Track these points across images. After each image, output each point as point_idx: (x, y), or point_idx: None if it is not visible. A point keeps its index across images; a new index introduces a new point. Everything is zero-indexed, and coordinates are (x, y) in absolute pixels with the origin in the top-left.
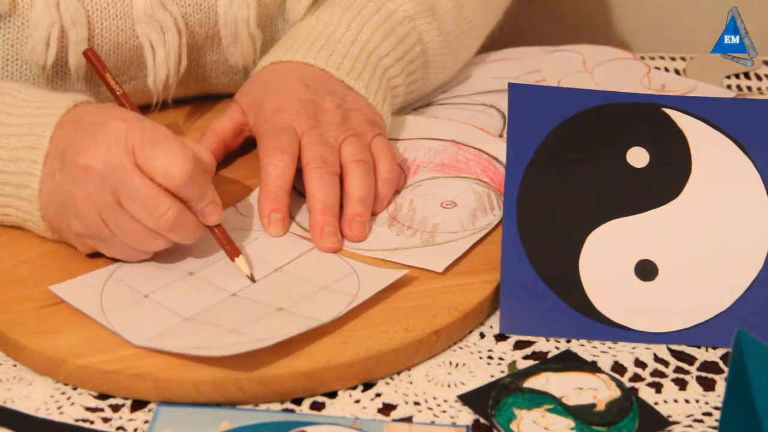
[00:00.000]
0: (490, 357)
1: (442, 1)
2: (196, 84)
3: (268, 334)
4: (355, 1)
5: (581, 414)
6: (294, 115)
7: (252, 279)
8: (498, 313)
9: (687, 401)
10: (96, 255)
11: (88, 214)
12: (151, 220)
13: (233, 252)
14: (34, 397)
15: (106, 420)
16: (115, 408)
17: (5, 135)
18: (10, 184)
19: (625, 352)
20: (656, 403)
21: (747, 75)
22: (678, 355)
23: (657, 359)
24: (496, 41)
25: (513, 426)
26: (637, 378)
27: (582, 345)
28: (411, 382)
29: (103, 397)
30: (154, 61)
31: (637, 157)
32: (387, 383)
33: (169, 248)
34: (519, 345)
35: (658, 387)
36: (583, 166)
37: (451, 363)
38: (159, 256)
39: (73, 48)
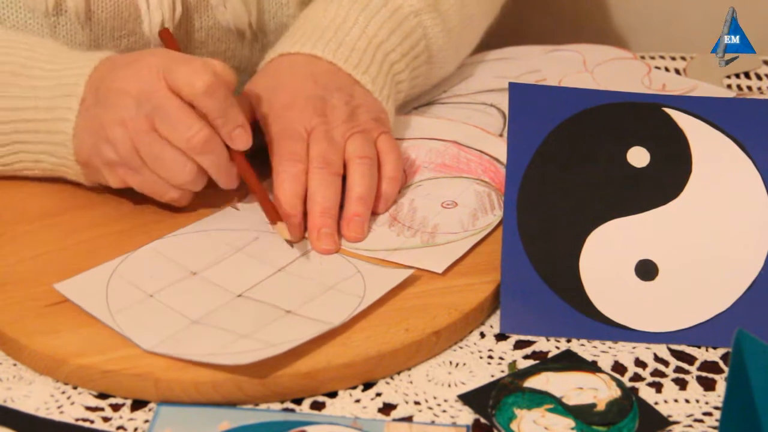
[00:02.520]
0: (490, 357)
1: None
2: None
3: (280, 340)
4: None
5: (581, 414)
6: (302, 113)
7: (290, 244)
8: (498, 313)
9: (687, 401)
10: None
11: (120, 140)
12: (183, 141)
13: (275, 215)
14: (34, 396)
15: (106, 419)
16: (115, 407)
17: (35, 86)
18: (42, 132)
19: (625, 352)
20: (656, 403)
21: (747, 75)
22: (678, 355)
23: (657, 359)
24: (497, 40)
25: (513, 426)
26: (637, 378)
27: (582, 345)
28: (411, 382)
29: (103, 396)
30: (148, 8)
31: (638, 156)
32: (387, 383)
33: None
34: (519, 345)
35: (658, 387)
36: (583, 166)
37: (451, 363)
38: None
39: None
